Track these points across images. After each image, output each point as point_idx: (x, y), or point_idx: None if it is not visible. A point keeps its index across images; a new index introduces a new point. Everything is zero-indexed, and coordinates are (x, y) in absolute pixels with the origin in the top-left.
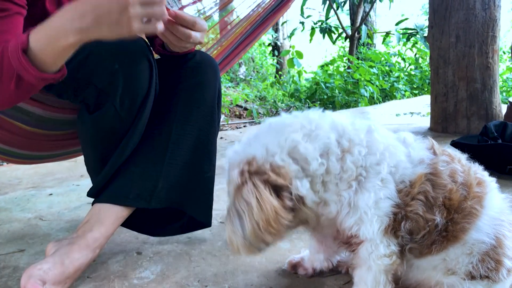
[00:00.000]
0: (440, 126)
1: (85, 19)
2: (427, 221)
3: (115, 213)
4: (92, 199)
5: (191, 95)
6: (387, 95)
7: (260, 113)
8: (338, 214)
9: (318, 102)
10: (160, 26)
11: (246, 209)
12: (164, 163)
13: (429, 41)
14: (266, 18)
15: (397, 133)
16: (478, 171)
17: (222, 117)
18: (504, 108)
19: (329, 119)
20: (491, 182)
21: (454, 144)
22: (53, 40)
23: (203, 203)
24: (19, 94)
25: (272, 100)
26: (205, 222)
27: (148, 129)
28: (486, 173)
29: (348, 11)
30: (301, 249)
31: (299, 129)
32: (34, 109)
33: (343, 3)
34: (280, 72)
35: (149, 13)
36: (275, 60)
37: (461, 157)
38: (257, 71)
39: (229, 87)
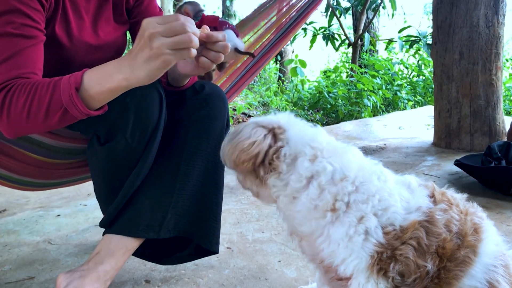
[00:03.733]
0: (444, 141)
1: (127, 61)
2: (419, 267)
3: (125, 244)
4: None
5: (200, 127)
6: (389, 103)
7: None
8: (313, 235)
9: (322, 112)
10: (194, 52)
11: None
12: (174, 194)
13: (433, 57)
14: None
15: (403, 176)
16: (475, 215)
17: None
18: (507, 124)
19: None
20: (488, 226)
21: (458, 164)
22: (103, 81)
23: (210, 231)
24: (59, 124)
25: (276, 109)
26: (212, 249)
27: (158, 159)
28: (484, 216)
29: (351, 16)
30: (307, 278)
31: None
32: (45, 139)
33: (346, 10)
34: (282, 78)
35: (176, 42)
36: (278, 69)
37: (459, 201)
38: (259, 76)
39: None
